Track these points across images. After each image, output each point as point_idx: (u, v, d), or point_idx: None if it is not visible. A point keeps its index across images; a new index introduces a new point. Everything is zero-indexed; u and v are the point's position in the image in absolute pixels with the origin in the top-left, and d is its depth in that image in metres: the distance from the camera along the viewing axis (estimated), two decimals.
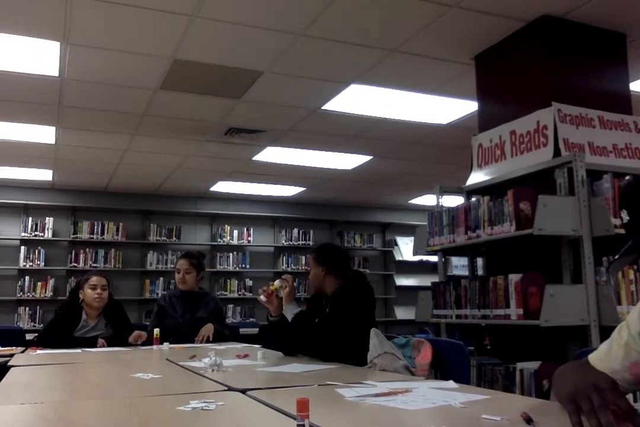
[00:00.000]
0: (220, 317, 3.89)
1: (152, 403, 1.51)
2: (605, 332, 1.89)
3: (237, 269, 8.31)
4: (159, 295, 7.47)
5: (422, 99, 4.64)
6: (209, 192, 8.07)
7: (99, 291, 3.47)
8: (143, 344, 3.48)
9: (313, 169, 6.82)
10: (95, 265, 7.56)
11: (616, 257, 1.16)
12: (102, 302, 3.50)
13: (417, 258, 7.57)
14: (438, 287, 3.49)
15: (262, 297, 2.77)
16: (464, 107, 4.74)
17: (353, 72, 4.14)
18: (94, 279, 3.50)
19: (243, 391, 1.60)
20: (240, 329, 5.08)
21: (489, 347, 3.64)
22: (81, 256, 7.62)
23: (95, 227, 7.74)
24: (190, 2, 3.15)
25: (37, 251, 7.47)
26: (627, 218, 1.17)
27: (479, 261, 3.84)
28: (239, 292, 8.25)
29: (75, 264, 7.56)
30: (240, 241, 8.44)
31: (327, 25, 3.43)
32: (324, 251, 2.85)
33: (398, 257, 9.13)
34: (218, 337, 3.65)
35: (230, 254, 8.33)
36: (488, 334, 3.67)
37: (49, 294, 7.38)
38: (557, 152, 3.12)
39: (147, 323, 4.29)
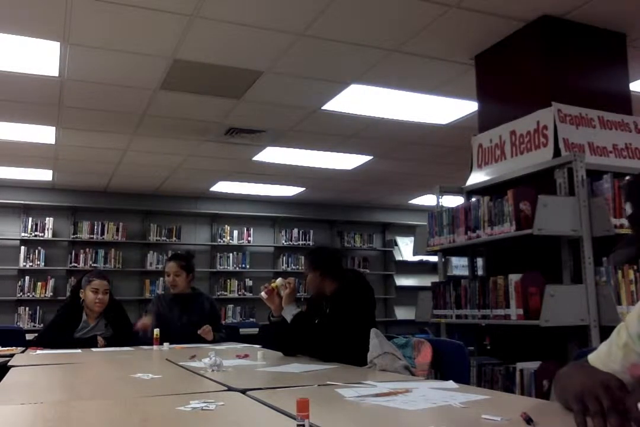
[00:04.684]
0: (216, 318, 3.87)
1: (152, 403, 1.51)
2: (605, 332, 1.89)
3: (237, 269, 8.31)
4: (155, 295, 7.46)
5: (422, 99, 4.64)
6: (209, 192, 8.07)
7: (100, 295, 3.43)
8: (143, 343, 3.47)
9: (313, 169, 6.82)
10: (95, 265, 7.55)
11: (616, 247, 1.18)
12: (103, 307, 3.47)
13: (417, 258, 7.57)
14: (438, 287, 3.49)
15: (263, 294, 2.79)
16: (464, 107, 4.74)
17: (353, 72, 4.14)
18: (96, 283, 3.44)
19: (243, 391, 1.59)
20: (240, 329, 5.08)
21: (489, 347, 3.64)
22: (81, 256, 7.62)
23: (95, 227, 7.74)
24: (190, 2, 3.15)
25: (37, 251, 7.47)
26: (631, 211, 1.18)
27: (479, 261, 3.84)
28: (239, 292, 8.25)
29: (75, 264, 7.56)
30: (240, 241, 8.44)
31: (327, 25, 3.43)
32: (317, 254, 2.85)
33: (398, 257, 9.13)
34: (216, 339, 3.65)
35: (230, 254, 8.33)
36: (488, 334, 3.67)
37: (49, 294, 7.38)
38: (557, 152, 3.12)
39: None
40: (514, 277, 2.92)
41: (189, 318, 3.68)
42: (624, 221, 2.74)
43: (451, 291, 3.36)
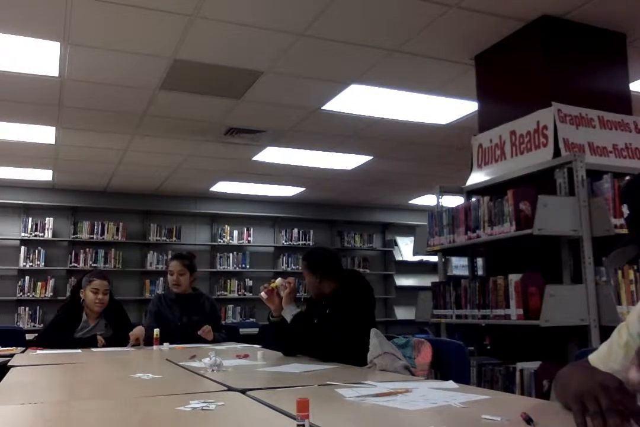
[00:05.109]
0: (216, 319, 3.87)
1: (152, 403, 1.51)
2: (605, 332, 1.89)
3: (237, 269, 8.31)
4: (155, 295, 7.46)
5: (422, 99, 4.64)
6: (209, 192, 8.07)
7: (100, 296, 3.43)
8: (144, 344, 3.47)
9: (313, 169, 6.83)
10: (95, 265, 7.56)
11: (614, 248, 1.17)
12: (103, 307, 3.47)
13: (417, 258, 7.58)
14: (438, 287, 3.49)
15: (262, 294, 2.79)
16: (464, 107, 4.74)
17: (353, 72, 4.14)
18: (96, 283, 3.43)
19: (243, 391, 1.59)
20: (240, 329, 5.08)
21: (489, 347, 3.64)
22: (81, 256, 7.62)
23: (95, 227, 7.74)
24: (190, 2, 3.15)
25: (37, 251, 7.47)
26: (628, 212, 1.18)
27: (479, 261, 3.84)
28: (239, 292, 8.25)
29: (75, 264, 7.56)
30: (240, 241, 8.44)
31: (327, 25, 3.43)
32: (313, 257, 2.84)
33: (398, 257, 9.13)
34: (217, 339, 3.65)
35: (230, 254, 8.33)
36: (488, 334, 3.67)
37: (49, 294, 7.38)
38: (557, 152, 3.12)
39: None
40: (514, 277, 2.92)
41: (190, 318, 3.68)
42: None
43: (451, 291, 3.36)
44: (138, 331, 3.43)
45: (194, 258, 3.91)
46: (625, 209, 1.20)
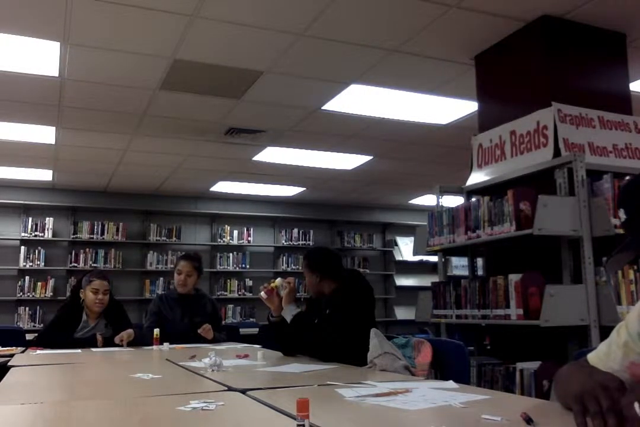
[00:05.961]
0: (217, 320, 3.87)
1: (152, 403, 1.51)
2: (605, 332, 1.89)
3: (237, 269, 8.32)
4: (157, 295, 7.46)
5: (422, 99, 4.64)
6: (209, 192, 8.07)
7: (100, 296, 3.42)
8: (143, 344, 3.46)
9: (313, 169, 6.83)
10: (95, 265, 7.56)
11: (612, 253, 1.17)
12: (103, 307, 3.46)
13: (417, 258, 7.58)
14: (438, 287, 3.49)
15: (262, 294, 2.79)
16: (464, 107, 4.74)
17: (353, 72, 4.14)
18: (96, 283, 3.43)
19: (243, 391, 1.60)
20: (240, 329, 5.09)
21: (489, 347, 3.64)
22: (81, 256, 7.62)
23: (95, 227, 7.74)
24: (190, 2, 3.15)
25: (37, 251, 7.47)
26: (625, 217, 1.18)
27: (479, 261, 3.84)
28: (239, 292, 8.25)
29: (75, 264, 7.56)
30: (240, 241, 8.44)
31: (327, 25, 3.43)
32: (314, 257, 2.85)
33: (398, 257, 9.13)
34: (216, 339, 3.65)
35: (230, 254, 8.33)
36: (488, 334, 3.67)
37: (49, 294, 7.38)
38: (557, 152, 3.13)
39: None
40: (514, 277, 2.92)
41: (191, 319, 3.68)
42: None
43: (451, 291, 3.36)
44: (127, 333, 3.40)
45: (201, 259, 3.92)
46: (621, 214, 1.19)
